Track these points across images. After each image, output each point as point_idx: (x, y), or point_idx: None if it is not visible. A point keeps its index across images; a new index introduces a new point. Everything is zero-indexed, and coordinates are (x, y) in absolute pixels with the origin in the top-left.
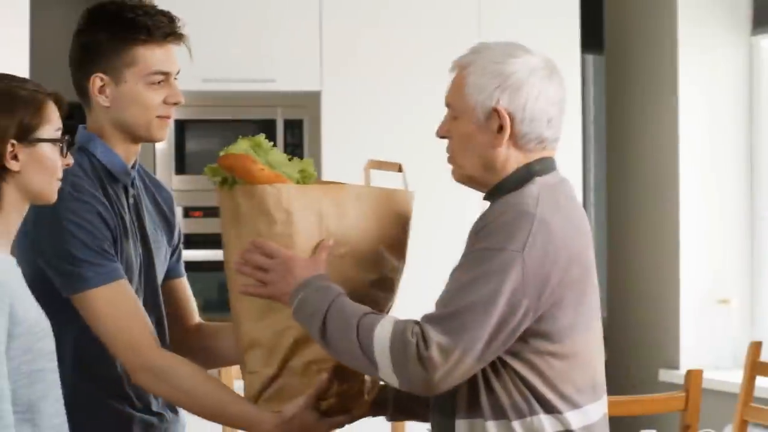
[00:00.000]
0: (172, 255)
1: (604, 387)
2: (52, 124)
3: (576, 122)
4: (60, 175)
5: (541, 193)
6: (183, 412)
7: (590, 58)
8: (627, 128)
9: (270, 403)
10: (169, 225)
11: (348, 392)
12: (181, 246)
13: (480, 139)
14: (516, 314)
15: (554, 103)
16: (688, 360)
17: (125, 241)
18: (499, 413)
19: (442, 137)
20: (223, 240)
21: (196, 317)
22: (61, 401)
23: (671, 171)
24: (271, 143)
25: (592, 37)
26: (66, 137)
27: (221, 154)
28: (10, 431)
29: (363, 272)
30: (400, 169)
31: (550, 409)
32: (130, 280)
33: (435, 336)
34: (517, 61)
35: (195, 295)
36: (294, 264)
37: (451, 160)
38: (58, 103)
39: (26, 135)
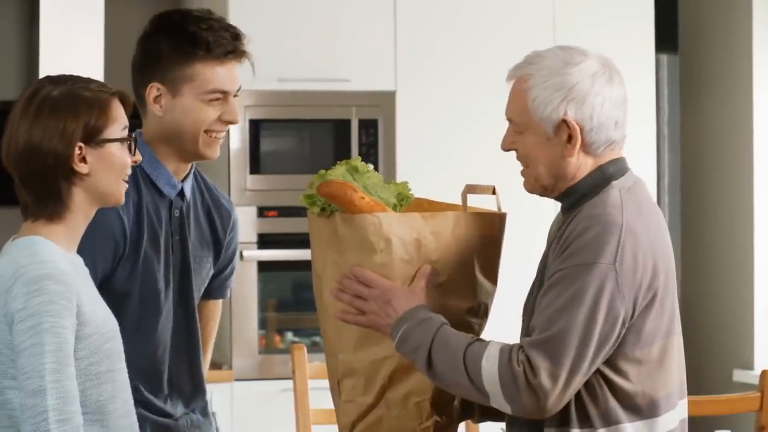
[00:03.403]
0: (216, 276)
1: (685, 390)
2: (119, 123)
3: (650, 122)
4: (128, 174)
5: (623, 198)
6: (216, 417)
7: (664, 58)
8: (701, 128)
9: None
10: (217, 244)
11: (441, 423)
12: (230, 270)
13: (549, 151)
14: (616, 326)
15: (618, 104)
16: (762, 360)
17: (155, 254)
18: (585, 422)
19: (508, 150)
20: (315, 266)
21: (205, 346)
22: (131, 401)
23: (745, 171)
24: (369, 166)
25: (667, 37)
26: (133, 135)
27: (315, 181)
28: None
29: (460, 300)
30: (494, 192)
31: (639, 415)
32: (154, 292)
33: (540, 362)
34: (577, 70)
35: (270, 294)
36: (393, 294)
37: (523, 171)
38: (123, 100)
39: (93, 136)
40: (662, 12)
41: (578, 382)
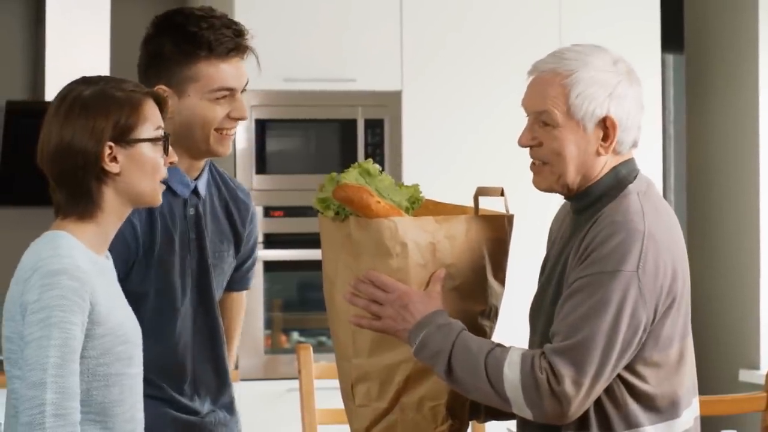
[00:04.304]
0: (237, 268)
1: (696, 388)
2: (151, 123)
3: (656, 122)
4: (164, 174)
5: (642, 203)
6: (240, 414)
7: (670, 57)
8: (707, 128)
9: None
10: (237, 237)
11: (455, 426)
12: (252, 262)
13: (583, 147)
14: (638, 333)
15: (642, 106)
16: None
17: (170, 255)
18: (605, 425)
19: (527, 146)
20: (327, 270)
21: (231, 339)
22: (139, 407)
23: (751, 171)
24: (380, 169)
25: (672, 36)
26: (167, 134)
27: (327, 184)
28: (76, 429)
29: (473, 304)
30: (502, 194)
31: (659, 416)
32: (170, 293)
33: (564, 369)
34: (617, 68)
35: (275, 294)
36: (410, 299)
37: (540, 167)
38: (158, 100)
39: (123, 136)
40: (668, 12)
41: (600, 388)
